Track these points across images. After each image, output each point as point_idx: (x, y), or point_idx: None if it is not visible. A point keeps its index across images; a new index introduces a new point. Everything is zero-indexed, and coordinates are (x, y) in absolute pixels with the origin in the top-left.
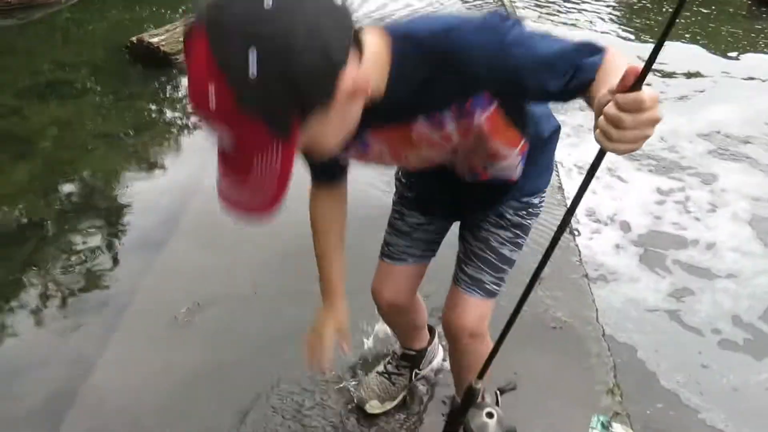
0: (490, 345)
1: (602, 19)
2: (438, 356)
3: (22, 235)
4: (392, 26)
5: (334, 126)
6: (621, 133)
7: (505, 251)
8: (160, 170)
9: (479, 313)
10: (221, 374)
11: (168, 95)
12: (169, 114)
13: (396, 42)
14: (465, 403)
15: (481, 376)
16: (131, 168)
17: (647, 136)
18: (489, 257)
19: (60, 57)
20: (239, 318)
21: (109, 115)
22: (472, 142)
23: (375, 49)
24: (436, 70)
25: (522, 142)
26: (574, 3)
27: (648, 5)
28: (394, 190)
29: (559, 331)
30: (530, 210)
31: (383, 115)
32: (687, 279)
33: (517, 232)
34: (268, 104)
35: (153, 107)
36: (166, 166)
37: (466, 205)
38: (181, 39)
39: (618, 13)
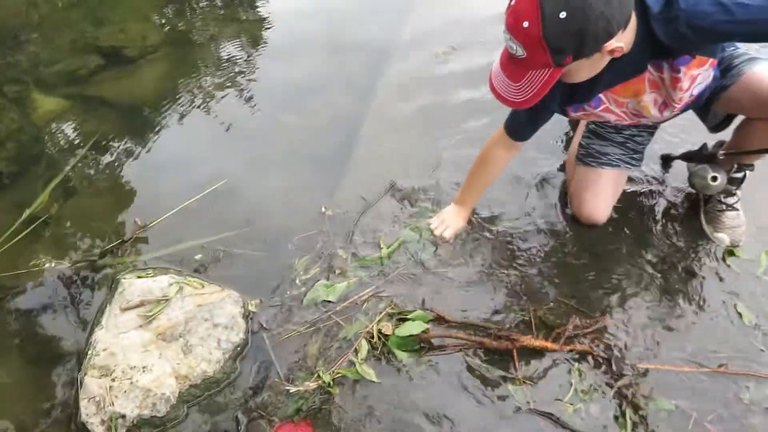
0: None
1: None
2: None
3: None
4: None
5: (586, 67)
6: None
7: None
8: None
9: None
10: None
11: None
12: None
13: (640, 11)
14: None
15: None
16: None
17: None
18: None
19: None
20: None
21: None
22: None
23: (632, 18)
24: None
25: (712, 59)
26: None
27: None
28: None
29: None
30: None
31: (623, 69)
32: None
33: None
34: (560, 45)
35: None
36: None
37: None
38: None
39: None
